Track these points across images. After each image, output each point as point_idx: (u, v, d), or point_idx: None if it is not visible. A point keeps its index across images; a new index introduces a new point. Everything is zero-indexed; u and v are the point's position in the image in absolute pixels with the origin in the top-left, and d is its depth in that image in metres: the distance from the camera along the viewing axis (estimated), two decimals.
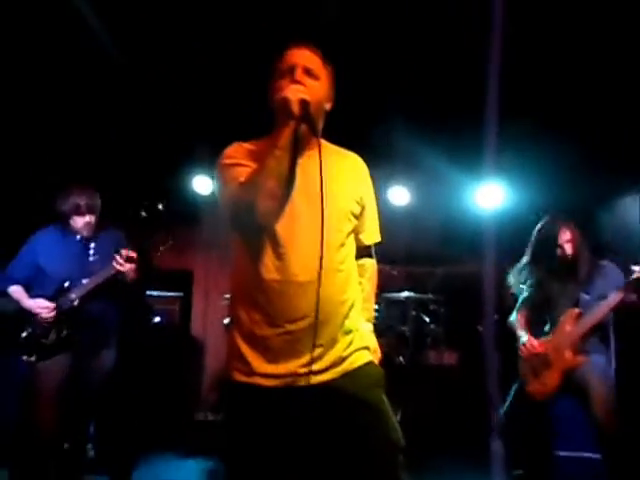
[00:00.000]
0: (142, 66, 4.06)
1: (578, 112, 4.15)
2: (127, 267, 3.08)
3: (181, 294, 5.48)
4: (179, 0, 3.54)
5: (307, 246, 1.69)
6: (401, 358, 4.64)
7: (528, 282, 3.30)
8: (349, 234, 1.84)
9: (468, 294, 4.92)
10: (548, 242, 3.16)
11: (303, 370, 1.70)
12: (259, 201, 1.61)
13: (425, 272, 5.50)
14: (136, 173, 4.99)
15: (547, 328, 3.19)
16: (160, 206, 2.82)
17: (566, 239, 3.12)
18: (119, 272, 3.09)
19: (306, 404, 1.72)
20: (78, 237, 3.26)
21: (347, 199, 1.83)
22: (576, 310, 3.02)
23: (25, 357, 3.08)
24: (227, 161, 1.78)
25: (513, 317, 3.37)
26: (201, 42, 3.85)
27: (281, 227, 1.71)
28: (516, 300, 3.41)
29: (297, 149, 1.66)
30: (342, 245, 1.80)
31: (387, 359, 4.52)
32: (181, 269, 5.75)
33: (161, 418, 4.42)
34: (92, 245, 3.26)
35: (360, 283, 1.93)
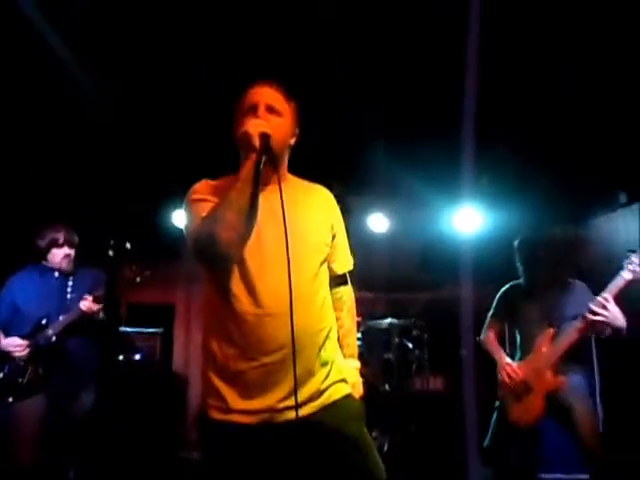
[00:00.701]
0: (121, 106, 4.07)
1: (554, 134, 4.22)
2: (95, 308, 3.08)
3: (161, 330, 5.39)
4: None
5: (278, 278, 1.67)
6: (387, 386, 4.59)
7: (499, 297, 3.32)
8: (322, 264, 1.84)
9: (450, 318, 4.93)
10: (529, 260, 3.19)
11: (280, 405, 1.67)
12: (219, 233, 1.61)
13: (407, 298, 5.50)
14: (115, 208, 4.95)
15: (519, 343, 3.18)
16: (128, 245, 2.80)
17: (544, 254, 3.15)
18: (84, 313, 3.08)
19: (285, 441, 1.69)
20: (56, 274, 3.24)
21: (317, 229, 1.84)
22: (551, 330, 3.01)
23: (2, 399, 3.00)
24: (193, 197, 1.80)
25: (483, 334, 3.36)
26: (176, 83, 3.87)
27: (251, 260, 1.71)
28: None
29: (259, 182, 1.67)
30: (315, 275, 1.79)
31: (372, 387, 4.50)
32: (162, 303, 5.68)
33: (144, 457, 4.29)
34: (70, 282, 3.25)
35: (338, 319, 1.92)
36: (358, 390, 1.88)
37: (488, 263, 4.73)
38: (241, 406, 1.68)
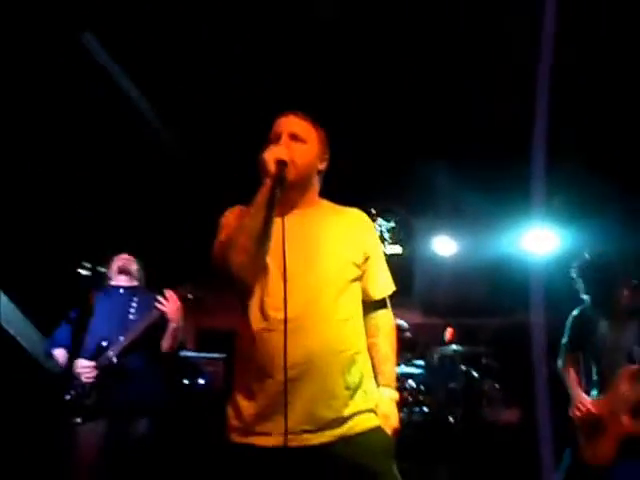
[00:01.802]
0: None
1: (630, 150, 3.96)
2: (169, 307, 3.07)
3: (225, 355, 5.39)
4: None
5: (296, 296, 1.66)
6: (450, 417, 4.35)
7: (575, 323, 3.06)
8: (349, 283, 1.78)
9: (524, 346, 4.64)
10: (605, 284, 2.92)
11: (297, 428, 1.60)
12: (231, 256, 1.66)
13: (475, 324, 5.25)
14: (184, 235, 5.05)
15: (595, 377, 2.92)
16: (102, 269, 2.82)
17: (623, 284, 2.88)
18: (162, 315, 3.07)
19: (301, 468, 1.61)
20: (121, 291, 3.29)
21: (344, 249, 1.79)
22: (632, 367, 2.73)
23: (71, 419, 3.01)
24: (222, 220, 1.85)
25: (560, 363, 3.11)
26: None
27: (273, 280, 1.71)
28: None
29: (273, 207, 1.68)
30: (339, 294, 1.74)
31: (435, 418, 4.28)
32: (227, 329, 5.69)
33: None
34: (134, 304, 3.25)
35: (374, 345, 1.84)
36: (391, 423, 1.76)
37: (562, 287, 4.44)
38: (259, 428, 1.64)
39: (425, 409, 4.21)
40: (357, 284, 1.82)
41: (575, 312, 3.08)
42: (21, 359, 4.31)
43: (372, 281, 1.87)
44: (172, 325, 3.13)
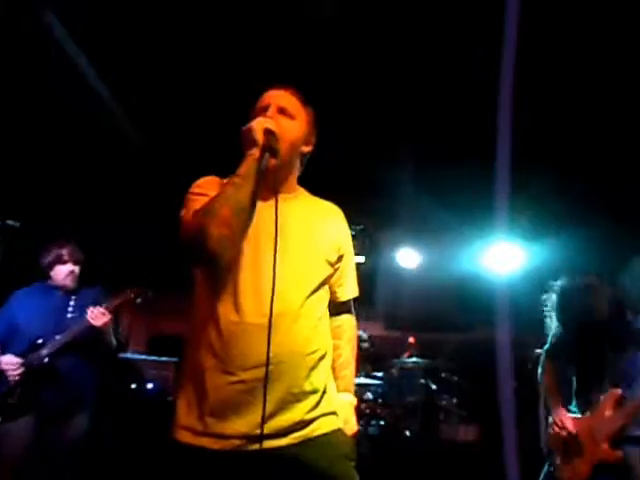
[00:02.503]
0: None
1: (598, 164, 3.96)
2: (101, 321, 2.93)
3: (176, 359, 5.18)
4: None
5: (269, 290, 1.51)
6: (407, 432, 4.23)
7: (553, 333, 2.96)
8: (322, 283, 1.65)
9: (485, 363, 4.57)
10: (577, 305, 2.83)
11: (256, 431, 1.45)
12: (211, 228, 1.46)
13: (437, 338, 5.17)
14: (134, 237, 4.86)
15: (574, 389, 2.83)
16: (12, 222, 2.65)
17: (594, 300, 2.80)
18: (92, 326, 2.93)
19: (257, 473, 1.46)
20: (59, 293, 3.15)
21: (322, 246, 1.67)
22: (618, 392, 2.61)
23: None
24: (193, 189, 1.65)
25: (541, 372, 2.97)
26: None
27: (245, 268, 1.56)
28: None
29: (260, 180, 1.53)
30: (312, 293, 1.61)
31: (392, 431, 4.16)
32: (179, 333, 5.49)
33: None
34: (72, 302, 3.13)
35: (337, 348, 1.73)
36: (351, 427, 1.67)
37: (528, 303, 4.40)
38: (213, 428, 1.48)
39: (382, 422, 4.08)
40: (327, 285, 1.69)
41: (546, 348, 3.00)
42: None
43: (342, 282, 1.76)
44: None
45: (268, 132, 1.54)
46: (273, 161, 1.56)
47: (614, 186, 4.08)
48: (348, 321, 1.80)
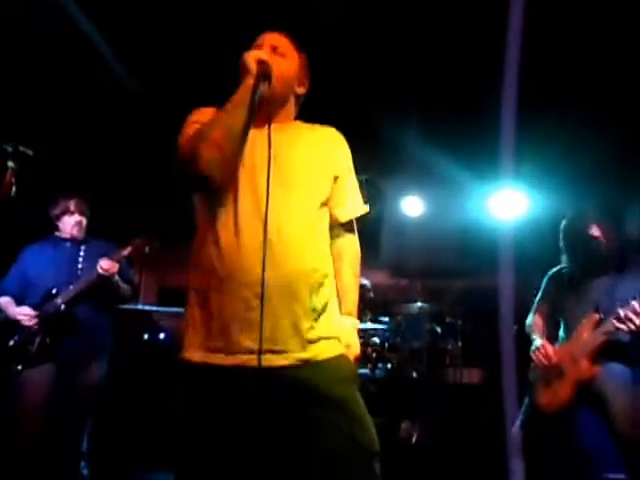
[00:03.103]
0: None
1: (601, 106, 3.92)
2: (114, 268, 3.04)
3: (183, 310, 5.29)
4: None
5: (270, 211, 1.57)
6: (414, 374, 4.35)
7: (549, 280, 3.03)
8: (318, 204, 1.69)
9: (489, 308, 4.66)
10: (578, 238, 2.87)
11: (255, 346, 1.51)
12: (201, 150, 1.54)
13: (443, 285, 5.25)
14: (144, 189, 4.87)
15: (561, 332, 2.91)
16: (24, 149, 2.60)
17: (597, 234, 2.83)
18: (103, 276, 3.03)
19: (260, 391, 1.53)
20: (68, 244, 3.23)
21: (316, 166, 1.71)
22: (596, 316, 2.71)
23: (12, 366, 2.98)
24: (190, 118, 1.73)
25: (529, 319, 3.08)
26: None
27: (242, 191, 1.62)
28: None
29: (254, 109, 1.61)
30: (308, 213, 1.66)
31: (399, 374, 4.28)
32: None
33: (157, 435, 4.19)
34: (82, 252, 3.22)
35: (338, 271, 1.76)
36: (353, 351, 1.71)
37: (532, 249, 4.44)
38: (218, 345, 1.55)
39: (389, 365, 4.20)
40: (326, 206, 1.74)
41: (553, 270, 3.05)
42: None
43: (339, 202, 1.78)
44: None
45: (261, 62, 1.62)
46: (267, 89, 1.64)
47: (619, 125, 4.04)
48: (349, 243, 1.82)
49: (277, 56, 1.73)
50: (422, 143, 4.73)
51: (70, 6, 3.38)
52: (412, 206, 5.38)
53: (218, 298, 1.57)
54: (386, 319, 4.59)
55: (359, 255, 1.84)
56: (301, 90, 1.82)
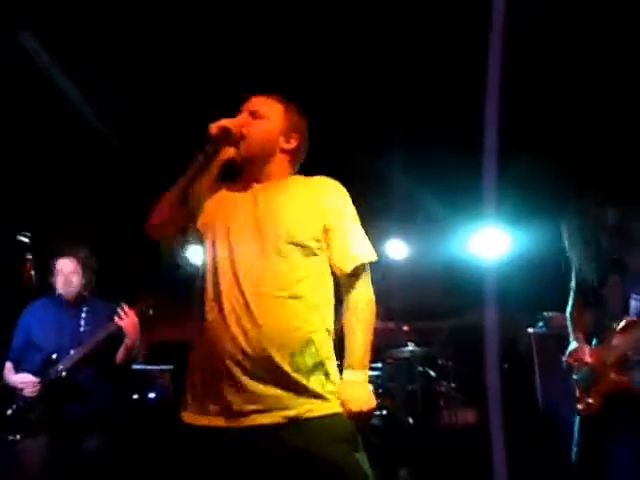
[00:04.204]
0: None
1: (584, 148, 4.04)
2: (127, 322, 3.02)
3: (172, 367, 5.21)
4: None
5: (243, 274, 1.65)
6: (410, 419, 4.31)
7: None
8: (302, 258, 1.70)
9: (478, 347, 4.67)
10: (592, 226, 2.66)
11: (246, 408, 1.57)
12: (152, 218, 1.79)
13: (430, 326, 5.26)
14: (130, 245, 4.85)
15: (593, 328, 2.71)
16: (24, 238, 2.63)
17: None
18: (118, 329, 3.02)
19: (247, 451, 1.55)
20: (70, 305, 3.19)
21: (296, 220, 1.72)
22: (630, 319, 2.52)
23: (10, 436, 2.91)
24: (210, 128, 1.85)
25: (569, 309, 2.81)
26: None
27: (221, 257, 1.71)
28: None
29: (205, 168, 1.78)
30: (290, 271, 1.67)
31: (395, 420, 4.24)
32: (177, 340, 5.51)
33: None
34: (83, 315, 3.17)
35: (347, 320, 1.76)
36: (349, 407, 1.63)
37: (516, 287, 4.50)
38: (203, 408, 1.63)
39: (384, 412, 4.16)
40: (317, 258, 1.73)
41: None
42: None
43: (336, 254, 1.76)
44: (128, 340, 3.05)
45: (221, 128, 1.74)
46: (235, 152, 1.79)
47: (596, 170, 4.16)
48: (357, 292, 1.78)
49: (256, 120, 1.82)
50: (404, 184, 4.82)
51: (51, 69, 3.43)
52: (396, 249, 5.44)
53: (204, 362, 1.66)
54: (378, 364, 4.57)
55: (368, 302, 1.77)
56: (290, 145, 1.85)
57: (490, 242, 5.01)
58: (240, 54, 3.55)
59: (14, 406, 2.96)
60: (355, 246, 1.77)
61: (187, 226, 1.80)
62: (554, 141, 4.09)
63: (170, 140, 4.08)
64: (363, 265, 1.77)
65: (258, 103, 1.86)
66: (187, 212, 1.77)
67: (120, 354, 3.09)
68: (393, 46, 3.67)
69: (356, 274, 1.76)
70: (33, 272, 2.18)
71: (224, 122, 1.76)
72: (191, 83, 3.76)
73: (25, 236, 2.11)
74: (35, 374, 2.99)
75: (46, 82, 3.54)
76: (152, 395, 4.88)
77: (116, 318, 3.00)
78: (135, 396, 4.77)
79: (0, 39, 3.39)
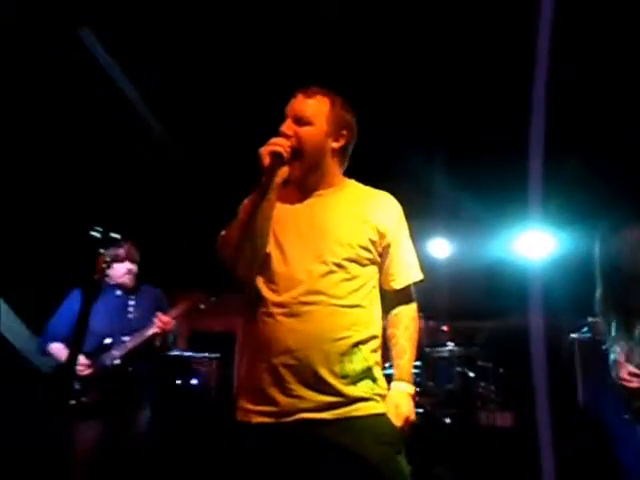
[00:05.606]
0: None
1: (629, 146, 3.95)
2: (167, 328, 3.09)
3: (218, 355, 5.35)
4: None
5: (297, 280, 1.68)
6: (447, 419, 4.31)
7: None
8: (358, 268, 1.73)
9: (520, 349, 4.63)
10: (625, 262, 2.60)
11: (294, 407, 1.62)
12: (222, 249, 1.72)
13: (471, 326, 5.23)
14: (181, 237, 4.99)
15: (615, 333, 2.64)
16: (115, 235, 2.68)
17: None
18: (158, 334, 3.10)
19: (295, 446, 1.61)
20: (118, 292, 3.27)
21: (349, 228, 1.74)
22: None
23: (66, 416, 3.00)
24: (261, 154, 1.78)
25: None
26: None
27: (275, 265, 1.73)
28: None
29: (269, 199, 1.70)
30: (344, 280, 1.70)
31: (432, 419, 4.25)
32: (224, 331, 5.66)
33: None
34: (131, 302, 3.26)
35: (393, 336, 1.81)
36: (401, 411, 1.68)
37: (560, 291, 4.43)
38: (256, 407, 1.67)
39: (421, 410, 4.17)
40: (370, 269, 1.76)
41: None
42: (10, 358, 4.22)
43: (391, 270, 1.81)
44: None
45: (274, 155, 1.67)
46: (289, 170, 1.74)
47: None
48: (405, 310, 1.83)
49: (303, 127, 1.75)
50: (449, 185, 4.81)
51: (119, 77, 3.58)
52: (439, 248, 5.42)
53: (253, 366, 1.70)
54: (418, 363, 4.59)
55: (416, 322, 1.85)
56: (339, 144, 1.80)
57: (535, 244, 4.95)
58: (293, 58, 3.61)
59: (72, 388, 3.00)
60: (408, 265, 1.84)
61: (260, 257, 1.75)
62: (602, 143, 4.00)
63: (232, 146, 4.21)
64: (411, 284, 1.85)
65: (301, 107, 1.77)
66: (261, 247, 1.71)
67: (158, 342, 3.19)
68: (441, 45, 3.66)
69: (405, 290, 1.84)
70: (105, 266, 2.27)
71: (273, 147, 1.68)
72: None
73: (98, 232, 2.18)
74: (87, 356, 3.06)
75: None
76: (194, 381, 5.03)
77: (156, 327, 3.07)
78: (178, 382, 4.93)
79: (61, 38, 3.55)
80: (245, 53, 3.63)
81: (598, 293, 2.78)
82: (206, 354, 5.31)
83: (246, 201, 1.79)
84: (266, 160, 1.66)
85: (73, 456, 2.96)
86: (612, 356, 2.65)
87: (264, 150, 1.68)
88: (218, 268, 1.74)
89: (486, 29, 3.48)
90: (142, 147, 4.19)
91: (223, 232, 1.75)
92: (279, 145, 1.69)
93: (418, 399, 4.34)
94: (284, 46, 3.56)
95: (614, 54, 3.34)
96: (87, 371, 3.04)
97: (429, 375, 4.48)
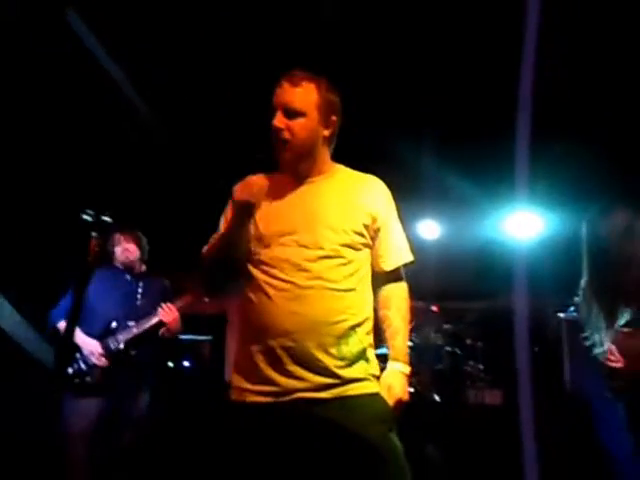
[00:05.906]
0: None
1: (616, 128, 3.98)
2: (171, 317, 3.13)
3: (211, 337, 5.38)
4: None
5: (293, 264, 1.71)
6: (436, 397, 4.38)
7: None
8: (351, 252, 1.76)
9: (508, 329, 4.68)
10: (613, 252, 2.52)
11: (291, 387, 1.65)
12: (203, 276, 1.87)
13: (460, 307, 5.29)
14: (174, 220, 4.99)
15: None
16: (106, 218, 2.66)
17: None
18: (162, 322, 3.14)
19: (291, 424, 1.65)
20: (127, 276, 3.32)
21: (342, 213, 1.77)
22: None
23: (68, 393, 3.06)
24: (233, 197, 1.83)
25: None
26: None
27: (273, 249, 1.75)
28: None
29: (239, 234, 1.78)
30: (339, 264, 1.73)
31: (422, 397, 4.32)
32: (215, 313, 5.68)
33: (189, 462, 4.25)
34: (140, 288, 3.31)
35: (386, 318, 1.83)
36: (395, 392, 1.72)
37: (548, 271, 4.48)
38: (253, 387, 1.70)
39: (411, 389, 4.24)
40: (363, 253, 1.79)
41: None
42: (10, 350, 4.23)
43: (382, 252, 1.84)
44: (168, 331, 3.19)
45: (244, 203, 1.73)
46: (284, 160, 1.78)
47: (632, 152, 4.10)
48: (396, 290, 1.86)
49: (293, 120, 1.75)
50: (437, 166, 4.83)
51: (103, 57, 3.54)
52: (428, 229, 5.45)
53: (250, 348, 1.72)
54: (409, 343, 4.65)
55: (407, 302, 1.88)
56: (328, 131, 1.82)
57: (523, 225, 4.99)
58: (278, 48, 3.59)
59: (75, 366, 3.11)
60: (398, 247, 1.87)
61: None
62: (589, 124, 4.02)
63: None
64: (402, 265, 1.89)
65: (290, 98, 1.75)
66: (238, 259, 1.79)
67: (163, 333, 3.22)
68: (427, 30, 3.67)
69: (397, 273, 1.87)
70: (98, 249, 2.28)
71: (244, 195, 1.74)
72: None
73: (89, 214, 2.18)
74: (94, 337, 3.13)
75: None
76: (187, 364, 5.07)
77: (161, 311, 3.12)
78: (170, 364, 4.96)
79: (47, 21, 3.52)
80: (230, 35, 3.61)
81: (583, 280, 2.71)
82: (200, 336, 5.34)
83: (221, 225, 1.86)
84: (238, 204, 1.74)
85: (72, 431, 3.01)
86: (591, 342, 2.59)
87: (239, 194, 1.75)
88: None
89: (473, 13, 3.48)
90: (128, 128, 4.16)
91: (204, 248, 1.85)
92: (250, 195, 1.73)
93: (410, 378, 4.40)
94: (269, 29, 3.54)
95: (602, 34, 3.35)
96: (99, 359, 3.10)
97: (418, 354, 4.54)
